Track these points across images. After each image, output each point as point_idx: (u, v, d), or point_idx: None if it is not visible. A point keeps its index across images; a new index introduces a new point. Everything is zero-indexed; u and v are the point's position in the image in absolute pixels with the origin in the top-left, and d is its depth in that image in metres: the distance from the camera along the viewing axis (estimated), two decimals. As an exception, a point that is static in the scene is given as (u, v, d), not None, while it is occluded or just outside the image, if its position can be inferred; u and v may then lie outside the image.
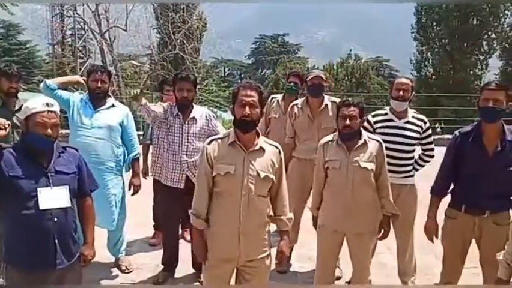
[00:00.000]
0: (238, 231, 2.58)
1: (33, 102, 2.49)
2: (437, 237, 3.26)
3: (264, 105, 2.65)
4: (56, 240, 2.49)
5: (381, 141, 3.23)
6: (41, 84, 4.02)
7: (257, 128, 2.65)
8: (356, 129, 3.12)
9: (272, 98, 5.00)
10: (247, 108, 2.53)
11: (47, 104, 2.48)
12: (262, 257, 2.68)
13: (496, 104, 2.91)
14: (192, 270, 4.12)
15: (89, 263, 2.73)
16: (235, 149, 2.59)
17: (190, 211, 2.70)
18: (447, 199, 3.26)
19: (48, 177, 2.49)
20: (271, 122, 4.89)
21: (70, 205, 2.55)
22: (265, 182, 2.61)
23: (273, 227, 2.85)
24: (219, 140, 2.64)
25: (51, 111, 2.48)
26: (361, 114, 3.14)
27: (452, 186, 3.25)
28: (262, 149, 2.62)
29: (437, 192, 3.27)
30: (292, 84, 4.75)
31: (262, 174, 2.58)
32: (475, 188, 3.02)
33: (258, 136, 2.66)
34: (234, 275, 2.77)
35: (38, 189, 2.44)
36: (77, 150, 2.76)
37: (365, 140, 3.17)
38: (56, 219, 2.48)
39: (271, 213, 2.74)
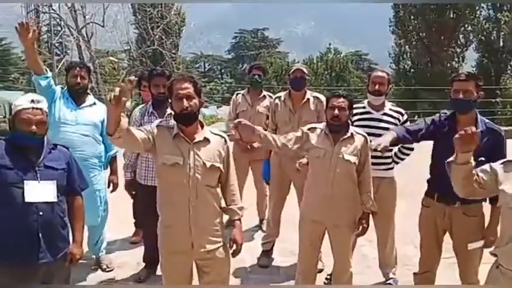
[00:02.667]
0: (189, 223, 2.56)
1: (20, 99, 2.50)
2: None
3: (200, 94, 2.62)
4: (40, 235, 2.46)
5: (367, 137, 3.26)
6: (34, 80, 3.82)
7: (200, 119, 2.64)
8: (343, 121, 3.16)
9: (237, 93, 5.13)
10: (184, 101, 2.51)
11: (33, 101, 2.47)
12: (216, 247, 2.66)
13: (466, 95, 2.92)
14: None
15: (77, 262, 2.70)
16: (179, 141, 2.57)
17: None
18: (424, 189, 3.30)
19: (36, 171, 2.47)
20: (239, 117, 4.94)
21: (56, 200, 2.52)
22: (212, 172, 2.60)
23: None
24: (166, 129, 2.61)
25: (37, 108, 2.47)
26: (350, 106, 3.19)
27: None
28: (207, 140, 2.61)
29: None
30: (256, 76, 4.84)
31: (208, 164, 2.57)
32: (447, 177, 3.05)
33: (202, 127, 2.65)
34: (196, 271, 2.75)
35: (25, 181, 2.43)
36: (68, 148, 2.75)
37: (352, 134, 3.20)
38: (41, 213, 2.45)
39: (223, 205, 2.73)
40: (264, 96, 4.97)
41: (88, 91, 4.07)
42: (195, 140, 2.58)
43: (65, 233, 2.65)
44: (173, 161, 2.53)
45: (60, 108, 3.86)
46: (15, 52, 34.92)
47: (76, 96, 3.92)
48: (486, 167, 2.44)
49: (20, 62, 32.24)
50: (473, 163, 2.39)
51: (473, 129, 2.28)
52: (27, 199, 2.42)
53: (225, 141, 2.70)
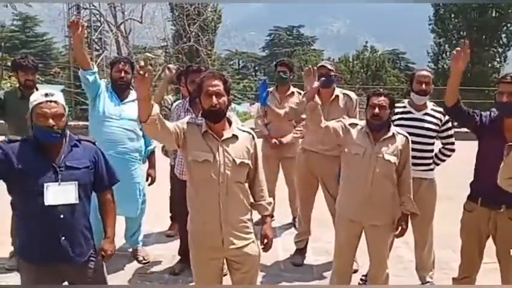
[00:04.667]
0: (220, 220, 2.56)
1: (34, 95, 2.41)
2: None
3: (229, 92, 2.61)
4: (63, 237, 2.40)
5: (409, 137, 3.20)
6: (81, 75, 3.87)
7: (227, 116, 2.63)
8: (384, 120, 3.09)
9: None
10: (214, 98, 2.50)
11: (46, 94, 2.38)
12: (246, 244, 2.65)
13: (511, 98, 2.82)
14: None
15: (109, 258, 2.65)
16: (208, 139, 2.56)
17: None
18: (467, 193, 3.22)
19: (57, 173, 2.39)
20: (267, 114, 4.95)
21: (77, 201, 2.43)
22: (241, 168, 2.59)
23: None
24: (196, 126, 2.60)
25: (51, 101, 2.36)
26: (391, 105, 3.12)
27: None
28: (235, 136, 2.61)
29: None
30: (281, 73, 4.87)
31: (238, 161, 2.56)
32: (492, 181, 2.94)
33: (230, 124, 2.64)
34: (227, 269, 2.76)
35: (45, 184, 2.35)
36: (94, 143, 2.64)
37: (393, 133, 3.14)
38: (62, 216, 2.38)
39: (252, 200, 2.72)
40: (293, 92, 4.95)
41: (131, 86, 4.14)
42: (224, 137, 2.58)
43: (90, 233, 2.57)
44: (204, 157, 2.52)
45: (105, 102, 3.94)
46: (56, 47, 35.95)
47: (119, 90, 4.00)
48: None
49: (61, 57, 33.15)
50: None
51: None
52: (47, 202, 2.34)
53: (253, 137, 2.70)
